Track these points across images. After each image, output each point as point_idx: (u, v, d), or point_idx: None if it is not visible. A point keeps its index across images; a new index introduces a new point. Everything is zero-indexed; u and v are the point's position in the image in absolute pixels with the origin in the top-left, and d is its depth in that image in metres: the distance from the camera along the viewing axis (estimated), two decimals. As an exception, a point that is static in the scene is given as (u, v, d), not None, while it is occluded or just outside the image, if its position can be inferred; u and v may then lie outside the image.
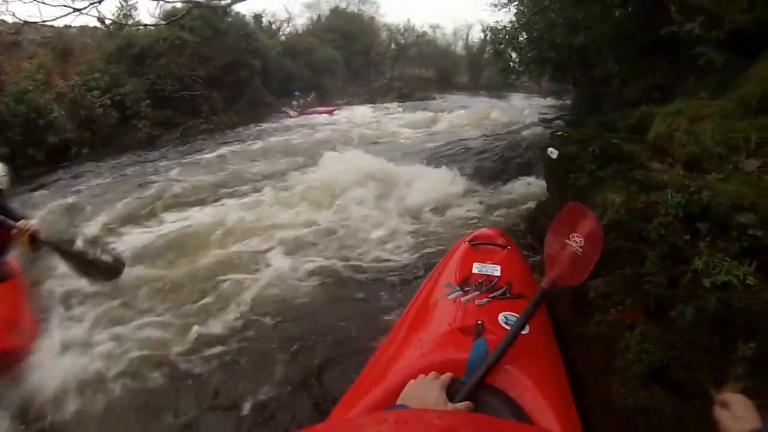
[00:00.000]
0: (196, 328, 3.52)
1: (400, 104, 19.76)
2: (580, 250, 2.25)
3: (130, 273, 3.81)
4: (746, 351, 1.63)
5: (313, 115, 16.75)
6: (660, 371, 1.67)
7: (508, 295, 2.11)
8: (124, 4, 16.34)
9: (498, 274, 2.29)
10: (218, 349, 3.33)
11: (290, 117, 16.56)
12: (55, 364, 3.05)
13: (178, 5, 11.18)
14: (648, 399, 1.62)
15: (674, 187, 2.25)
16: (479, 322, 1.79)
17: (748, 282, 1.74)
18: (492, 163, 7.58)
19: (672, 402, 1.61)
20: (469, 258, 2.49)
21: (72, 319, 3.64)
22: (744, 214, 1.94)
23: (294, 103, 17.93)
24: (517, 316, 1.84)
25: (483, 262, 2.42)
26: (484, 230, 2.91)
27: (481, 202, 6.10)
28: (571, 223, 2.32)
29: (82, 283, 3.72)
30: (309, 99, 18.62)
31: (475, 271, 2.33)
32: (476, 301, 2.03)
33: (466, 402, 1.36)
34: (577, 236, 2.30)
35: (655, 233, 2.11)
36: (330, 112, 17.35)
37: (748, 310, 1.69)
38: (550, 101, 15.39)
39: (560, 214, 2.42)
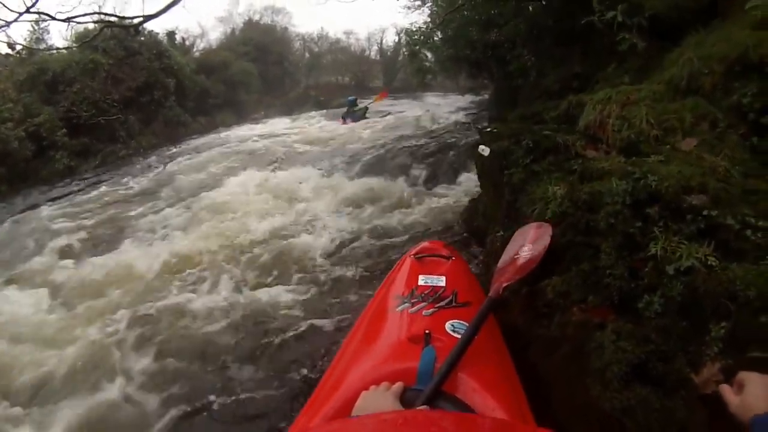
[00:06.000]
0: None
1: (319, 113, 19.26)
2: (528, 254, 2.26)
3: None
4: (719, 332, 1.60)
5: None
6: (640, 368, 1.62)
7: (454, 304, 2.18)
8: (36, 27, 15.40)
9: (443, 284, 2.36)
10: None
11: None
12: None
13: (91, 26, 10.60)
14: (633, 398, 1.56)
15: (618, 175, 2.23)
16: (427, 331, 1.84)
17: (710, 263, 1.71)
18: (419, 166, 7.71)
19: (657, 397, 1.56)
20: (414, 270, 2.56)
21: None
22: (696, 196, 1.92)
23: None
24: (464, 323, 1.91)
25: (428, 273, 2.49)
26: (428, 243, 3.01)
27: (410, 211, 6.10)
28: (522, 240, 2.44)
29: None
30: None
31: (421, 282, 2.39)
32: (423, 312, 2.10)
33: (425, 407, 1.35)
34: (526, 246, 2.33)
35: (605, 223, 2.08)
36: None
37: (714, 292, 1.65)
38: (468, 97, 15.63)
39: (513, 236, 2.56)
